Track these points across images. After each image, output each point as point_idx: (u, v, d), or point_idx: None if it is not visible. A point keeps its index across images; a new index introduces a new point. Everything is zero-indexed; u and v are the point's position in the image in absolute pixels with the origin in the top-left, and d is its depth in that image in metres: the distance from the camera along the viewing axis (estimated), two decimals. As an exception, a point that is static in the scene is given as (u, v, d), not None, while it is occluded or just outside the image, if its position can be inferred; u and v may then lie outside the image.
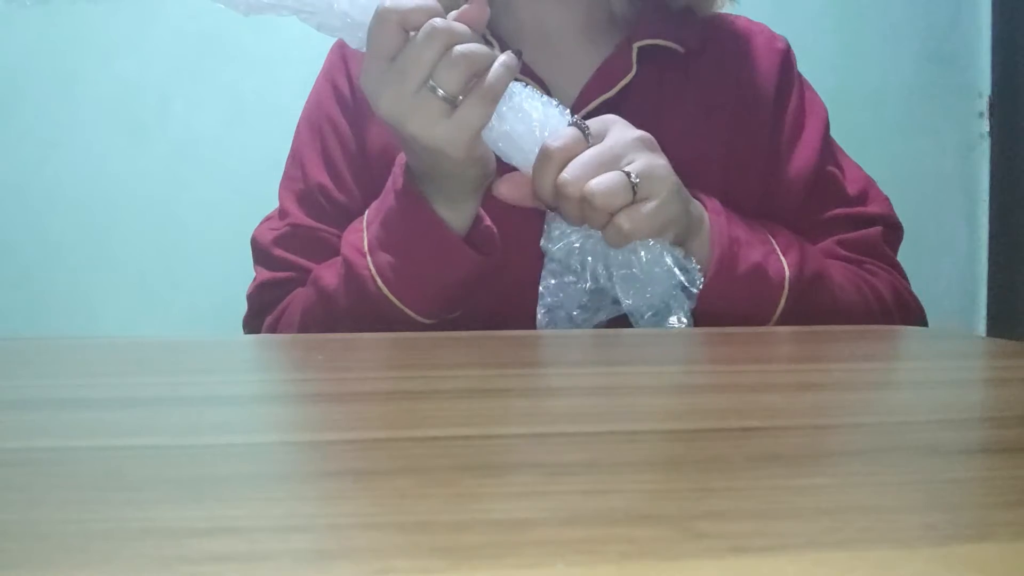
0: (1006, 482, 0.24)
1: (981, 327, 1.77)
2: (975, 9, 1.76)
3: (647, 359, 0.48)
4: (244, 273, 0.76)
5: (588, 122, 0.57)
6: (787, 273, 0.63)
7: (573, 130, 0.56)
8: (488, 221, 0.62)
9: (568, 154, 0.55)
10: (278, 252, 0.71)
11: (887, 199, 0.77)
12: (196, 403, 0.35)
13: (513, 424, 0.31)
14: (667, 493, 0.22)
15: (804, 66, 0.79)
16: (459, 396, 0.36)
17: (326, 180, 0.72)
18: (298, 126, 0.77)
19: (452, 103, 0.52)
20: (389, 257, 0.60)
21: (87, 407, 0.34)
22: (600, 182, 0.54)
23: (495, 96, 0.53)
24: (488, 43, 0.70)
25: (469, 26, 0.54)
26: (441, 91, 0.52)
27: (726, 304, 0.60)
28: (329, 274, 0.63)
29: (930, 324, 0.73)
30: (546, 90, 0.70)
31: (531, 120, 0.55)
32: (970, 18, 1.76)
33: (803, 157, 0.74)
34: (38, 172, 1.50)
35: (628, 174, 0.55)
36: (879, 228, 0.74)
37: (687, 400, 0.35)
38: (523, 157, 0.56)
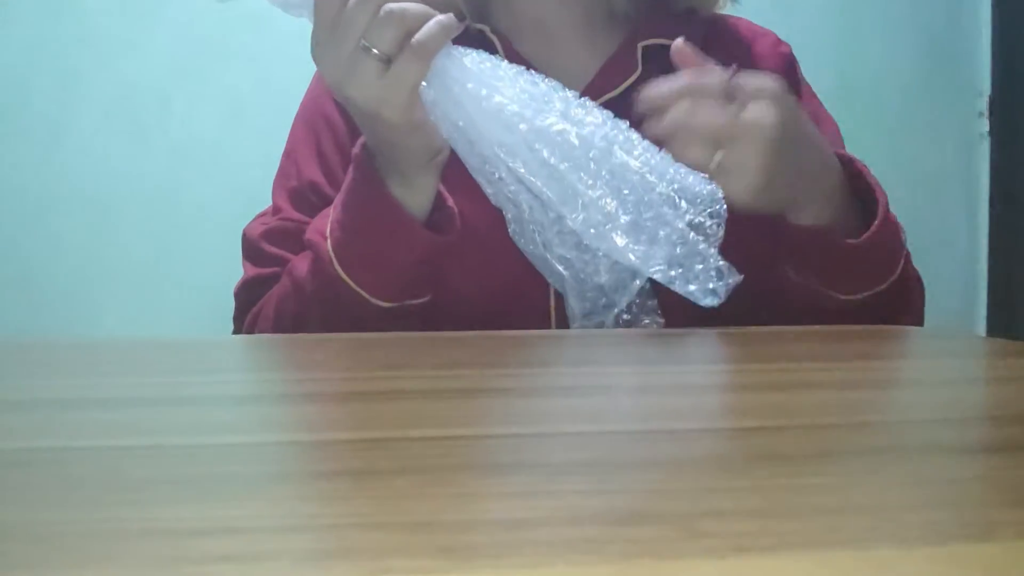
0: (1007, 481, 0.24)
1: (981, 327, 1.76)
2: (975, 8, 1.76)
3: (647, 359, 0.48)
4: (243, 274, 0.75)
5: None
6: (903, 233, 0.64)
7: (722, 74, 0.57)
8: (451, 203, 0.62)
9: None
10: (265, 247, 0.71)
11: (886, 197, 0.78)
12: (196, 403, 0.35)
13: (513, 424, 0.31)
14: (668, 493, 0.22)
15: (804, 66, 0.79)
16: (459, 396, 0.36)
17: (319, 178, 0.72)
18: (294, 123, 0.77)
19: (386, 62, 0.53)
20: (346, 237, 0.60)
21: (87, 407, 0.34)
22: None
23: (427, 52, 0.53)
24: (488, 40, 0.71)
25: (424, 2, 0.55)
26: (375, 50, 0.53)
27: (879, 249, 0.60)
28: (302, 263, 0.64)
29: (930, 324, 0.74)
30: None
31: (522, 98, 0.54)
32: (970, 17, 1.76)
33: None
34: (39, 172, 1.50)
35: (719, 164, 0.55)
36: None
37: (687, 400, 0.35)
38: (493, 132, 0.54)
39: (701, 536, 0.19)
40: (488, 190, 0.57)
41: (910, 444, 0.28)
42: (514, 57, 0.70)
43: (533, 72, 0.56)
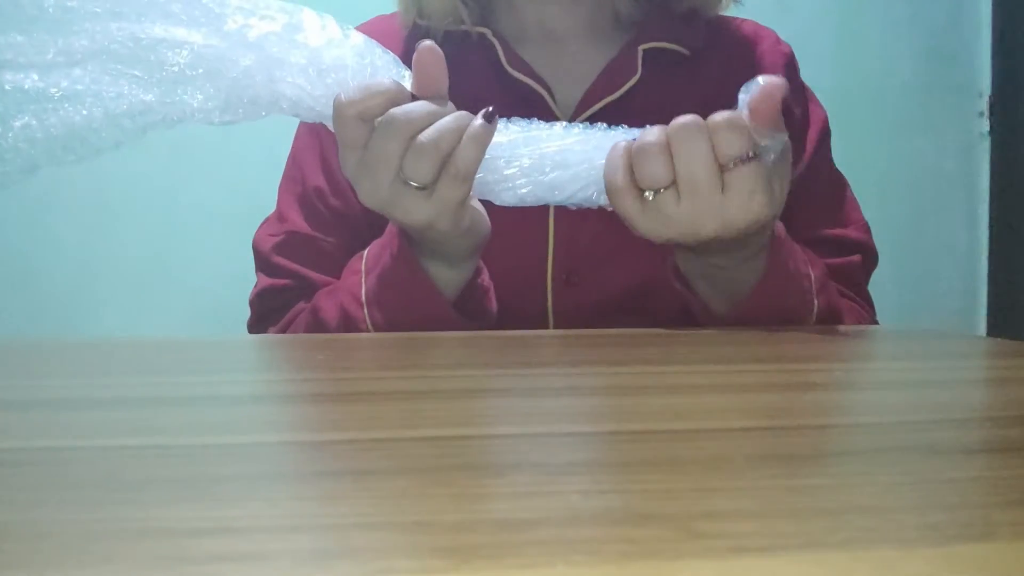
0: (1006, 482, 0.24)
1: (981, 327, 1.77)
2: (975, 8, 1.76)
3: (647, 359, 0.48)
4: (243, 274, 0.75)
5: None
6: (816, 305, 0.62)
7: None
8: (486, 276, 0.62)
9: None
10: (277, 260, 0.71)
11: (867, 225, 0.75)
12: (196, 403, 0.35)
13: (513, 424, 0.31)
14: (667, 493, 0.22)
15: (804, 66, 0.79)
16: (459, 396, 0.36)
17: (323, 184, 0.72)
18: (298, 128, 0.77)
19: (428, 188, 0.51)
20: (383, 315, 0.60)
21: (87, 407, 0.34)
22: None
23: (468, 174, 0.51)
24: (489, 42, 0.71)
25: (430, 79, 0.52)
26: (414, 183, 0.51)
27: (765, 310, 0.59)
28: (329, 306, 0.63)
29: (930, 324, 0.74)
30: (548, 91, 0.69)
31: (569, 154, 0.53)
32: (970, 17, 1.76)
33: (800, 169, 0.73)
34: (36, 173, 1.50)
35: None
36: (859, 257, 0.73)
37: (687, 400, 0.35)
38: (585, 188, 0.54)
39: (700, 537, 0.19)
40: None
41: (909, 445, 0.28)
42: (515, 60, 0.70)
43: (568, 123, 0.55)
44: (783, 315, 0.59)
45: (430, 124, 0.51)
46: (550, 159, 0.53)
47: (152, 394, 0.37)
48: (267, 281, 0.72)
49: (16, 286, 1.51)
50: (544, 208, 0.61)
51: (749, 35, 0.77)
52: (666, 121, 0.69)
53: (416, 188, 0.51)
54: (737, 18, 0.79)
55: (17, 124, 0.47)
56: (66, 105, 0.48)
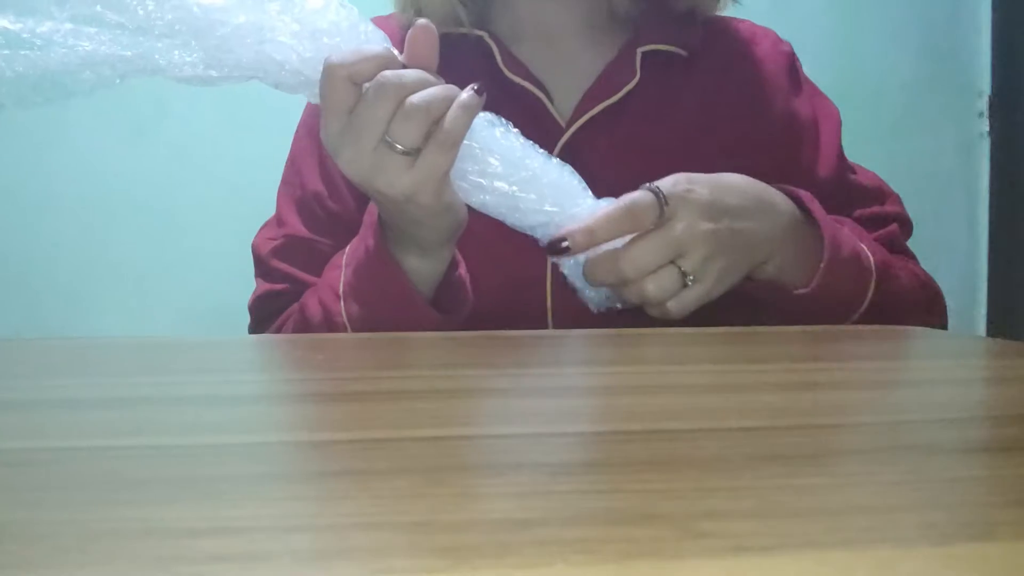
0: (1006, 481, 0.24)
1: (981, 327, 1.77)
2: (975, 8, 1.76)
3: (647, 359, 0.48)
4: (242, 274, 0.76)
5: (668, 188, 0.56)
6: (872, 258, 0.65)
7: (650, 199, 0.55)
8: (463, 268, 0.62)
9: (639, 225, 0.55)
10: (275, 264, 0.71)
11: (898, 196, 0.78)
12: (196, 403, 0.35)
13: (513, 424, 0.31)
14: (667, 493, 0.22)
15: (804, 65, 0.79)
16: (458, 396, 0.36)
17: (321, 188, 0.72)
18: (296, 131, 0.77)
19: (413, 155, 0.51)
20: (359, 308, 0.60)
21: (87, 407, 0.34)
22: (657, 282, 0.56)
23: (455, 141, 0.51)
24: (486, 45, 0.71)
25: (421, 56, 0.52)
26: (400, 146, 0.50)
27: (835, 287, 0.61)
28: (312, 303, 0.64)
29: (930, 324, 0.74)
30: (546, 94, 0.69)
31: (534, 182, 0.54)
32: (970, 17, 1.76)
33: (825, 166, 0.74)
34: (36, 172, 1.50)
35: (684, 272, 0.56)
36: (896, 226, 0.75)
37: (687, 400, 0.35)
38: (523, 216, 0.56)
39: (700, 536, 0.19)
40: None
41: (909, 444, 0.28)
42: (512, 63, 0.70)
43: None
44: (850, 284, 0.63)
45: (421, 90, 0.51)
46: (525, 168, 0.55)
47: (152, 394, 0.37)
48: (265, 286, 0.72)
49: (15, 285, 1.51)
50: None
51: (748, 35, 0.77)
52: (665, 123, 0.70)
53: (401, 153, 0.51)
54: (735, 18, 0.79)
55: None
56: (36, 50, 0.46)
